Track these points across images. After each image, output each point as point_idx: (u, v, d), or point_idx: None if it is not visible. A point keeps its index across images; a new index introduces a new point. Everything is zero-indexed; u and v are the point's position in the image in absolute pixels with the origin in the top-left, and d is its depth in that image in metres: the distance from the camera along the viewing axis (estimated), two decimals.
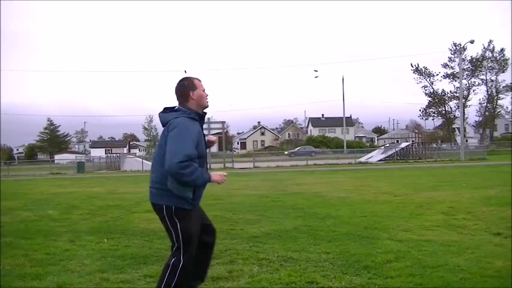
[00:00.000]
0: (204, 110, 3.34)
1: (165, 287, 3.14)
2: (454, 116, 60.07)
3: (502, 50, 58.77)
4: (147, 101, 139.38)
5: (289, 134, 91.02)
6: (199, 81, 3.35)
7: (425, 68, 60.40)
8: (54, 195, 13.31)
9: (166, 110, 3.30)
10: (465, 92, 56.01)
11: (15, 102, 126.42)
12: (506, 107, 65.48)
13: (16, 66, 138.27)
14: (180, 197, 3.14)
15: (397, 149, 37.26)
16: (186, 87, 3.28)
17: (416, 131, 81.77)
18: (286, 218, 7.46)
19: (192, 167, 3.02)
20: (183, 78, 3.35)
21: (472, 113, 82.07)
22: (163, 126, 3.25)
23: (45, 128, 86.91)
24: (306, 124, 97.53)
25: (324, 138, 73.76)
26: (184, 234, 3.19)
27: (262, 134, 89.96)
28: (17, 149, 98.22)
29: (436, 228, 6.23)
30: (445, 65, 59.10)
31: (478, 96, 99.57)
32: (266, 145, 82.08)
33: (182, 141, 3.02)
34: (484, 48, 58.77)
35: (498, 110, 63.97)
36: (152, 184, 3.24)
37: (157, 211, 3.25)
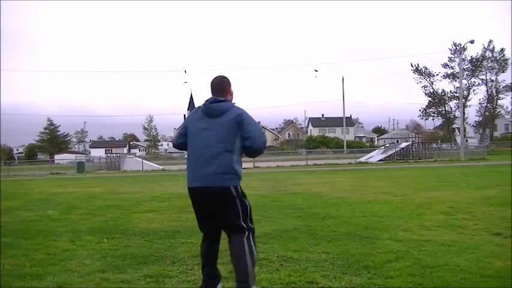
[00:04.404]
0: None
1: None
2: (454, 116, 60.09)
3: (502, 50, 58.95)
4: (147, 101, 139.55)
5: (289, 134, 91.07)
6: None
7: (425, 68, 60.55)
8: (54, 195, 13.30)
9: (214, 102, 3.58)
10: (465, 92, 56.03)
11: (15, 102, 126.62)
12: (506, 107, 65.60)
13: (16, 66, 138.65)
14: None
15: (397, 149, 37.27)
16: (227, 83, 3.71)
17: (416, 131, 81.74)
18: (286, 218, 7.45)
19: None
20: (222, 75, 3.74)
21: (472, 113, 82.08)
22: (212, 116, 3.52)
23: (45, 128, 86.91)
24: (306, 124, 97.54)
25: (324, 138, 73.72)
26: None
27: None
28: (17, 149, 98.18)
29: (436, 228, 6.22)
30: (445, 65, 59.22)
31: (478, 96, 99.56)
32: (266, 145, 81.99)
33: (258, 125, 3.67)
34: (484, 48, 58.92)
35: (498, 110, 64.01)
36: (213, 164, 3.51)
37: (214, 194, 3.54)
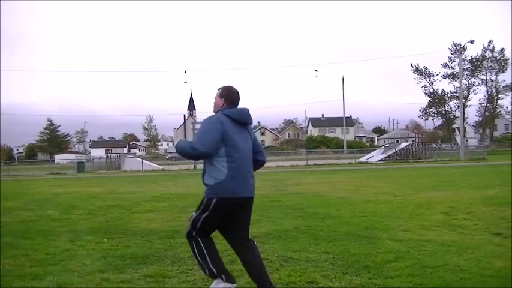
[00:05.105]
0: None
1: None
2: (454, 116, 60.07)
3: (502, 50, 58.90)
4: (147, 101, 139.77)
5: (289, 134, 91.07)
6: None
7: (425, 68, 60.48)
8: (54, 195, 13.30)
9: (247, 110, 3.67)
10: (465, 92, 56.00)
11: (15, 102, 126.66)
12: (506, 107, 65.59)
13: (16, 66, 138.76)
14: None
15: (397, 149, 37.25)
16: None
17: (416, 131, 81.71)
18: (286, 218, 7.45)
19: None
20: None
21: (472, 113, 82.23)
22: (244, 122, 3.58)
23: (45, 128, 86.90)
24: (306, 124, 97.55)
25: (324, 138, 73.71)
26: None
27: (262, 134, 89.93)
28: (17, 149, 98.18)
29: (436, 228, 6.22)
30: (445, 65, 59.16)
31: (478, 96, 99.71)
32: (266, 145, 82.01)
33: None
34: (484, 48, 58.86)
35: (498, 110, 63.99)
36: (252, 177, 3.57)
37: (251, 203, 3.62)
